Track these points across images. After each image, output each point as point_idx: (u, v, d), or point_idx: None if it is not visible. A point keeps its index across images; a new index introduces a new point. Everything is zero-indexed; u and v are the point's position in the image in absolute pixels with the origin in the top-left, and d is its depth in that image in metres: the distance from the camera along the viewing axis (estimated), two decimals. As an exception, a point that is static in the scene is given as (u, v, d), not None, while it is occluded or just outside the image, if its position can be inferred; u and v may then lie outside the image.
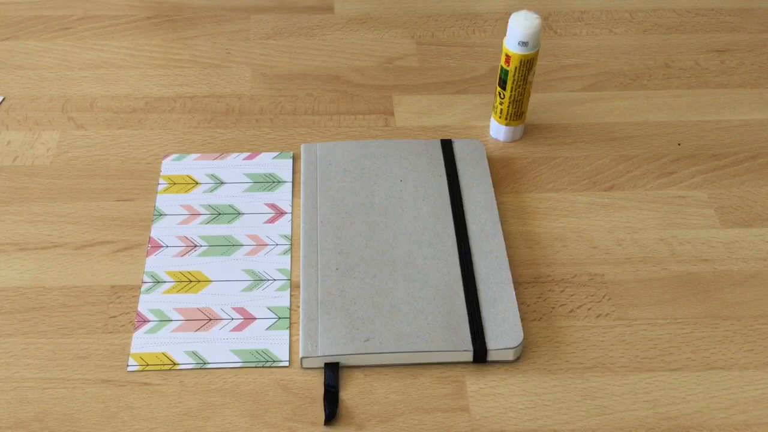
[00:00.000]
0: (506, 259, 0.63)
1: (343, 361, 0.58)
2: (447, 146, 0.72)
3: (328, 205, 0.67)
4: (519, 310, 0.61)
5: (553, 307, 0.62)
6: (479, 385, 0.58)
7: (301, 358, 0.58)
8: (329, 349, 0.58)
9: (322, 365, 0.58)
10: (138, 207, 0.69)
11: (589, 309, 0.62)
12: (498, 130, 0.75)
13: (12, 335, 0.60)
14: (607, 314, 0.62)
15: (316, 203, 0.67)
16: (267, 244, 0.65)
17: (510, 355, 0.58)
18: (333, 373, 0.57)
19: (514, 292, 0.61)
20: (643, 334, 0.61)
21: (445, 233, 0.65)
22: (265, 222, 0.67)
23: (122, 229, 0.67)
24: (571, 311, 0.62)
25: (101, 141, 0.74)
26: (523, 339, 0.59)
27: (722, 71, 0.83)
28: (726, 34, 0.87)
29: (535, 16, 0.68)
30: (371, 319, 0.59)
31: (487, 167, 0.70)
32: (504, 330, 0.59)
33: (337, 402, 0.56)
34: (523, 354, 0.60)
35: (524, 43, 0.68)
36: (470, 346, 0.58)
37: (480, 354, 0.58)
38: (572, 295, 0.63)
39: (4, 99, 0.78)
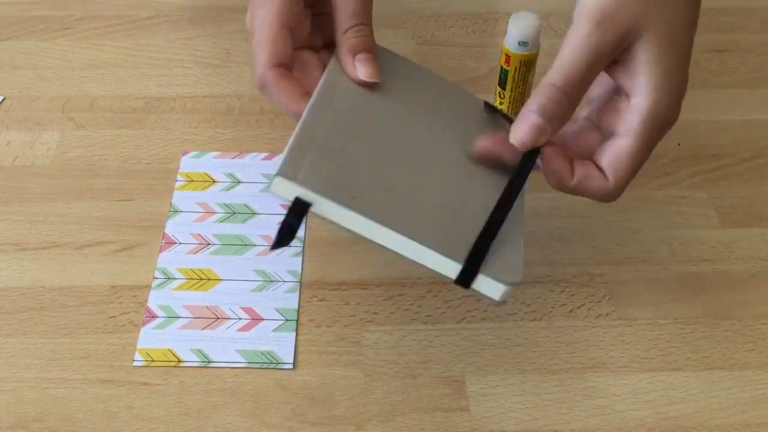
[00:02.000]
0: (522, 205, 0.57)
1: (317, 208, 0.49)
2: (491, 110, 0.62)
3: (350, 95, 0.56)
4: (522, 254, 0.54)
5: (553, 307, 0.62)
6: (479, 385, 0.58)
7: (274, 176, 0.48)
8: (309, 182, 0.48)
9: (293, 198, 0.49)
10: (138, 207, 0.69)
11: (589, 309, 0.62)
12: None
13: (12, 335, 0.60)
14: (607, 314, 0.62)
15: (334, 94, 0.55)
16: None
17: (497, 292, 0.50)
18: (300, 212, 0.49)
19: (522, 235, 0.54)
20: (643, 334, 0.61)
21: (466, 165, 0.56)
22: (279, 223, 0.67)
23: (122, 229, 0.67)
24: (571, 311, 0.62)
25: (101, 141, 0.74)
26: (520, 282, 0.51)
27: (722, 71, 0.83)
28: (726, 34, 0.87)
29: (535, 16, 0.68)
30: (366, 185, 0.50)
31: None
32: (503, 264, 0.51)
33: (291, 239, 0.49)
34: (523, 354, 0.60)
35: (524, 43, 0.68)
36: (461, 259, 0.50)
37: (467, 274, 0.50)
38: (572, 295, 0.63)
39: (4, 99, 0.78)
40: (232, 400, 0.57)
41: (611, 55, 0.52)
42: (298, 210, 0.48)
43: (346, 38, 0.56)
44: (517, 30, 0.67)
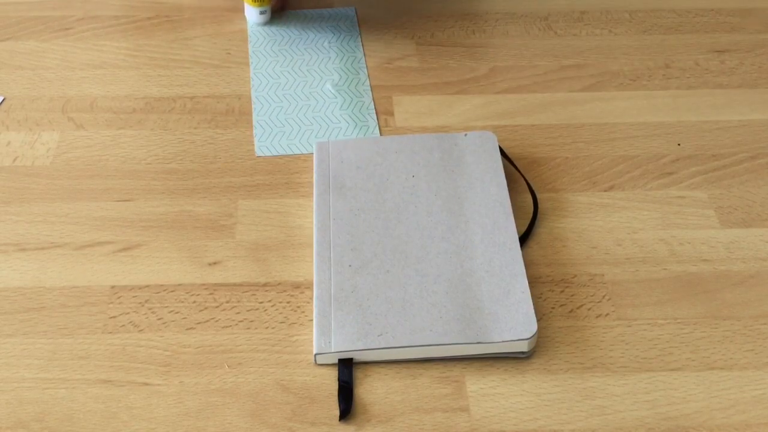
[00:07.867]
0: (519, 251, 0.63)
1: (356, 356, 0.58)
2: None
3: (341, 202, 0.67)
4: (533, 301, 0.60)
5: (552, 307, 0.62)
6: (479, 385, 0.58)
7: (315, 355, 0.58)
8: (343, 344, 0.58)
9: (336, 361, 0.58)
10: (138, 207, 0.69)
11: (589, 309, 0.62)
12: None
13: (12, 335, 0.60)
14: (607, 314, 0.62)
15: (329, 200, 0.67)
16: None
17: (524, 347, 0.58)
18: (347, 368, 0.58)
19: (527, 284, 0.61)
20: (643, 334, 0.61)
21: (458, 227, 0.65)
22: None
23: (122, 229, 0.67)
24: (571, 311, 0.62)
25: (101, 141, 0.74)
26: (537, 330, 0.59)
27: (722, 71, 0.83)
28: (726, 34, 0.87)
29: None
30: (384, 314, 0.60)
31: (500, 159, 0.70)
32: (518, 321, 0.59)
33: (352, 398, 0.56)
34: (523, 354, 0.60)
35: None
36: (483, 338, 0.58)
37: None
38: (572, 295, 0.63)
39: (4, 99, 0.78)
40: (232, 400, 0.57)
41: None
42: (345, 368, 0.58)
43: None
44: None
